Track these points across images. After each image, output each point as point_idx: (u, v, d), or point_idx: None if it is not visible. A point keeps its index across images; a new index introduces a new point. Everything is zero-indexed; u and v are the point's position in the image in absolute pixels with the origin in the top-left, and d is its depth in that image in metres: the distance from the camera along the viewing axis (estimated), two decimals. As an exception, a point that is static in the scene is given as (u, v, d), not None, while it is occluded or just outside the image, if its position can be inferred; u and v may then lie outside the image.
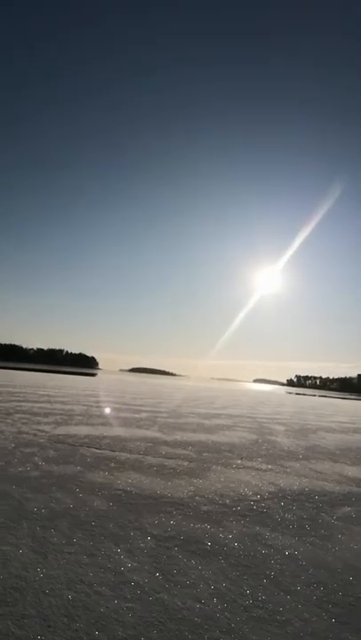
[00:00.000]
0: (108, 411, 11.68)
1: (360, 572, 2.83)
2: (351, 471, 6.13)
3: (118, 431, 7.93)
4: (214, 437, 8.30)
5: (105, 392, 21.33)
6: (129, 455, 5.79)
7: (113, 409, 12.32)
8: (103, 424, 8.79)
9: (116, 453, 5.84)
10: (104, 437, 7.08)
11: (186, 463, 5.62)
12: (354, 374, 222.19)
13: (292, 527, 3.56)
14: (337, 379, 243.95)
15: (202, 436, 8.26)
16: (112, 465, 5.13)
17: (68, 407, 11.74)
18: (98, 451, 5.92)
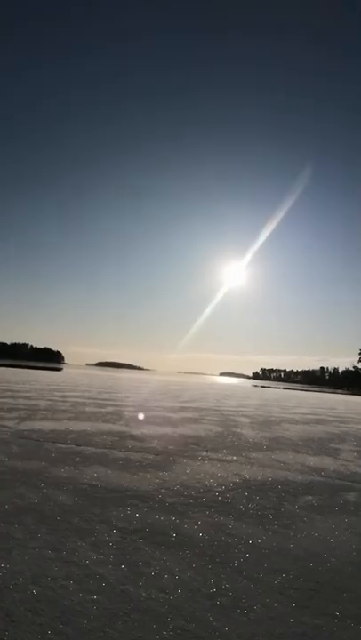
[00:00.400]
0: (73, 405, 11.56)
1: (321, 558, 2.93)
2: (313, 461, 6.31)
3: (84, 426, 7.88)
4: (180, 430, 8.37)
5: (71, 386, 21.11)
6: (95, 449, 5.78)
7: (79, 403, 12.21)
8: (69, 419, 8.71)
9: (82, 448, 5.81)
10: (69, 432, 7.03)
11: (152, 456, 5.65)
12: (317, 367, 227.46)
13: (256, 516, 3.64)
14: (301, 371, 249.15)
15: (168, 430, 8.31)
16: (77, 459, 5.10)
17: (33, 402, 11.58)
18: (63, 446, 5.88)
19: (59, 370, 65.39)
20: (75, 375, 42.27)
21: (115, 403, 13.51)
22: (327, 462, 6.31)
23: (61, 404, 11.78)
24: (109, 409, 11.35)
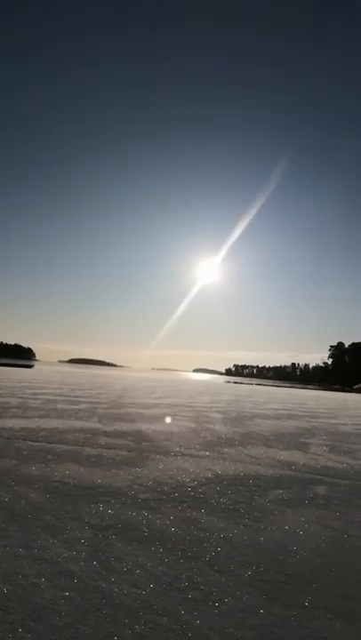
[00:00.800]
0: (45, 403, 11.43)
1: (290, 550, 2.99)
2: (284, 455, 6.41)
3: (56, 423, 7.80)
4: (153, 427, 8.37)
5: (42, 384, 20.84)
6: (67, 447, 5.73)
7: (50, 401, 12.08)
8: (40, 416, 8.61)
9: (54, 445, 5.76)
10: (41, 430, 6.94)
11: (125, 453, 5.64)
12: (288, 363, 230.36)
13: (228, 511, 3.69)
14: (273, 367, 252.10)
15: (141, 426, 8.30)
16: (49, 457, 5.06)
17: (2, 400, 11.39)
18: (34, 443, 5.81)
19: (29, 367, 64.31)
20: (46, 372, 41.73)
21: (87, 400, 13.41)
22: (297, 456, 6.43)
23: (32, 401, 11.62)
24: (82, 406, 11.26)
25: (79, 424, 7.92)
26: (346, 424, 12.60)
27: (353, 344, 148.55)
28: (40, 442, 5.94)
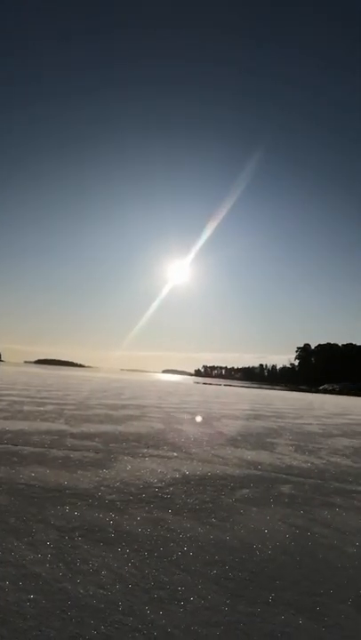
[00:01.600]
0: (10, 404, 11.22)
1: (255, 548, 3.04)
2: (250, 455, 6.50)
3: (21, 425, 7.67)
4: (122, 428, 8.35)
5: (7, 385, 20.45)
6: (33, 449, 5.65)
7: (16, 402, 11.86)
8: (5, 418, 8.45)
9: (19, 447, 5.67)
10: (6, 432, 6.82)
11: (92, 454, 5.61)
12: (256, 364, 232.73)
13: (194, 510, 3.72)
14: (241, 368, 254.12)
15: (109, 427, 8.26)
16: (14, 459, 4.98)
17: (-33, 401, 11.12)
18: (-1, 445, 5.70)
19: (-6, 367, 62.94)
20: (12, 373, 40.93)
21: (54, 401, 13.24)
22: (264, 456, 6.53)
23: (-2, 402, 11.39)
24: (49, 407, 11.11)
25: (45, 426, 7.81)
26: (311, 424, 12.86)
27: (319, 346, 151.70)
28: (5, 444, 5.83)
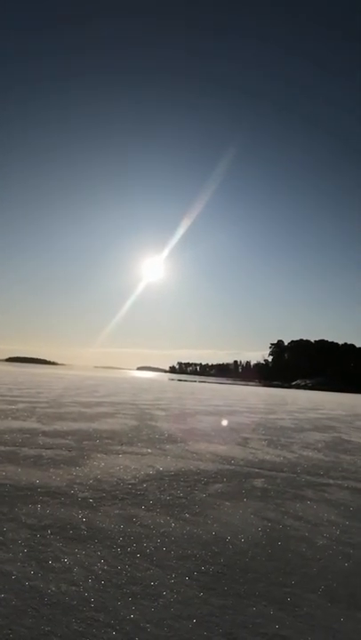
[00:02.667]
0: (-19, 402, 11.01)
1: (228, 542, 3.07)
2: (224, 450, 6.56)
3: (-7, 423, 7.54)
4: (95, 425, 8.29)
5: (-21, 383, 20.07)
6: (3, 448, 5.56)
7: (-12, 400, 11.65)
8: (-24, 416, 8.29)
9: (-10, 446, 5.57)
10: (-23, 430, 6.70)
11: (65, 452, 5.55)
12: (231, 360, 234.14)
13: (168, 506, 3.73)
14: (216, 365, 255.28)
15: (83, 425, 8.20)
16: (-15, 458, 4.89)
17: None
18: (-31, 444, 5.59)
19: (-36, 366, 61.65)
20: (-16, 371, 40.18)
21: (26, 399, 13.05)
22: (237, 451, 6.59)
23: (-32, 401, 11.17)
24: (20, 406, 10.95)
25: (17, 424, 7.70)
26: (284, 419, 13.06)
27: (292, 342, 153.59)
28: (-25, 443, 5.73)
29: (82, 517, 3.30)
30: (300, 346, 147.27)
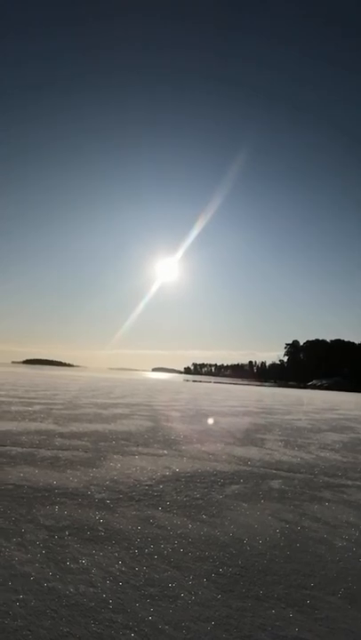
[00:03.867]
0: (-1, 404, 11.12)
1: (246, 544, 3.05)
2: (240, 451, 6.52)
3: (9, 425, 7.61)
4: (111, 427, 8.32)
5: (-4, 385, 20.28)
6: (21, 449, 5.61)
7: (3, 403, 11.76)
8: (-6, 418, 8.38)
9: (7, 448, 5.62)
10: (-6, 432, 6.76)
11: (81, 453, 5.58)
12: (245, 361, 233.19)
13: (184, 507, 3.72)
14: (230, 365, 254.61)
15: (99, 426, 8.23)
16: (2, 460, 4.93)
17: None
18: (-13, 446, 5.65)
19: (-18, 368, 62.37)
20: None
21: (42, 401, 13.15)
22: (253, 452, 6.55)
23: (-14, 403, 11.29)
24: (37, 407, 11.04)
25: (34, 425, 7.76)
26: (300, 419, 12.95)
27: (308, 342, 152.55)
28: (-7, 444, 5.78)
29: (99, 518, 3.31)
30: (315, 346, 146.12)
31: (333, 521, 3.66)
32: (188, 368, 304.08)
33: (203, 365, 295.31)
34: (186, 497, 4.01)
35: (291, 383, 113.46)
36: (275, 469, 5.44)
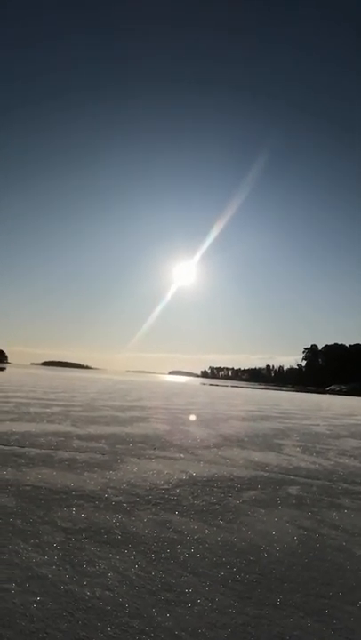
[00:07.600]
0: (17, 406, 11.24)
1: (263, 550, 3.02)
2: (258, 456, 6.47)
3: (28, 427, 7.68)
4: (128, 429, 8.34)
5: (14, 386, 20.49)
6: (39, 451, 5.65)
7: (23, 404, 11.88)
8: (12, 420, 8.46)
9: (26, 449, 5.67)
10: (12, 433, 6.83)
11: (99, 456, 5.60)
12: (263, 365, 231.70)
13: (201, 512, 3.70)
14: (247, 369, 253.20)
15: (116, 429, 8.26)
16: (21, 461, 4.98)
17: (-25, 403, 11.15)
18: (5, 447, 5.71)
19: (1, 370, 63.14)
20: (19, 375, 41.03)
21: (61, 403, 13.26)
22: (271, 457, 6.50)
23: (3, 404, 11.42)
24: (55, 409, 11.13)
25: (52, 427, 7.82)
26: (318, 425, 12.80)
27: (326, 346, 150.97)
28: (12, 446, 5.84)
29: (116, 522, 3.31)
30: (334, 350, 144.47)
31: (352, 529, 3.60)
32: (205, 371, 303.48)
33: (220, 369, 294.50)
34: (203, 502, 3.99)
35: (309, 388, 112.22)
36: (293, 475, 5.38)
